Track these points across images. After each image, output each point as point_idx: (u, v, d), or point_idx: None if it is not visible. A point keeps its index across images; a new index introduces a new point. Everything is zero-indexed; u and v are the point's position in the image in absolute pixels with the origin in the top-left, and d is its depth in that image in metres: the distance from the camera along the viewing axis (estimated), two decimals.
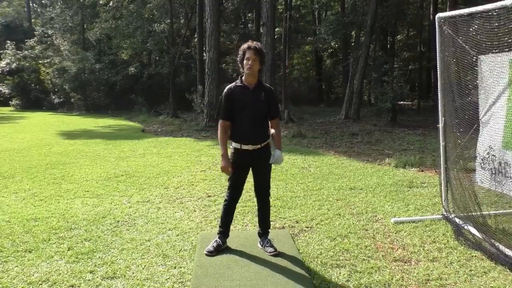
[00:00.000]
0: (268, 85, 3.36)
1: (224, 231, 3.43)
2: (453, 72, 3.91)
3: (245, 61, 3.13)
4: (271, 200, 3.48)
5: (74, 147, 9.41)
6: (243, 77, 3.23)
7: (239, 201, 3.52)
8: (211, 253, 3.28)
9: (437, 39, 4.09)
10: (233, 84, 3.27)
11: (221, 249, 3.36)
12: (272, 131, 3.30)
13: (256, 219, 3.52)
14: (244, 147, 3.20)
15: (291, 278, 2.92)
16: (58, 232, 3.90)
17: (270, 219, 4.20)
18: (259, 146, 3.22)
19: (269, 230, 3.50)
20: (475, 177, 3.88)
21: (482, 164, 3.77)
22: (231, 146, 3.31)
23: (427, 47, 21.46)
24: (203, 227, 4.04)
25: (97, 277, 2.99)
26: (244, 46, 3.17)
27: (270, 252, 3.31)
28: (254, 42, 3.19)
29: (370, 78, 17.45)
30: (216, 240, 3.39)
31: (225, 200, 3.40)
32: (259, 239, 3.48)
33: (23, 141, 10.53)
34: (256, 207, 3.51)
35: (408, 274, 3.00)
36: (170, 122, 16.17)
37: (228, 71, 25.76)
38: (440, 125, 4.19)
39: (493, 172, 3.62)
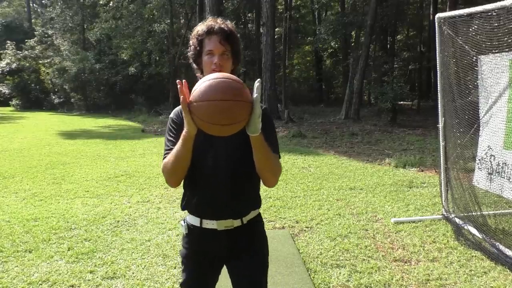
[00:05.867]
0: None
1: None
2: (453, 72, 3.91)
3: (205, 57, 1.53)
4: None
5: (74, 147, 9.41)
6: None
7: None
8: None
9: (437, 39, 4.09)
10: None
11: None
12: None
13: None
14: (207, 224, 1.58)
15: (291, 278, 2.92)
16: (58, 232, 3.90)
17: (270, 219, 4.23)
18: (239, 221, 1.59)
19: None
20: (473, 177, 3.88)
21: (479, 164, 3.77)
22: (182, 224, 1.66)
23: (427, 47, 21.48)
24: None
25: (97, 277, 2.99)
26: (199, 28, 1.55)
27: None
28: (219, 20, 1.56)
29: (370, 78, 17.48)
30: None
31: None
32: None
33: (23, 141, 10.53)
34: None
35: (408, 274, 3.00)
36: None
37: None
38: (440, 125, 4.19)
39: (489, 172, 3.62)
